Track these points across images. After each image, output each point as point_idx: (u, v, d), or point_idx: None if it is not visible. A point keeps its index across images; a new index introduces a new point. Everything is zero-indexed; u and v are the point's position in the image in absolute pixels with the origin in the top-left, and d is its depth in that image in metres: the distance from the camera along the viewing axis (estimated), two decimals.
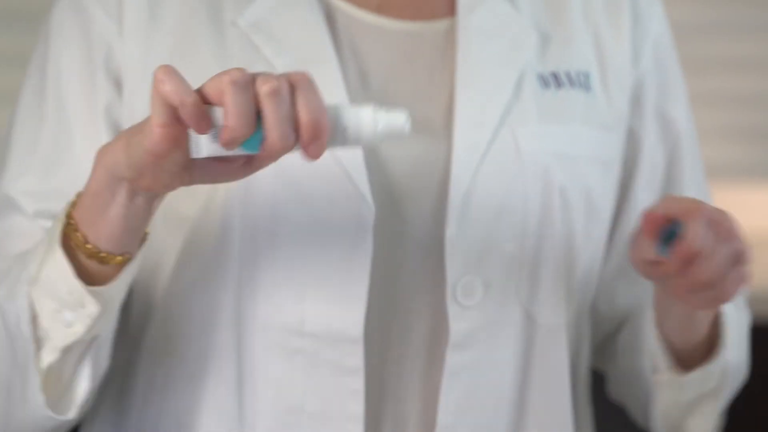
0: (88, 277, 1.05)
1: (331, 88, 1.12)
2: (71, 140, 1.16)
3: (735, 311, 1.24)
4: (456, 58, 1.17)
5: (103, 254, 1.04)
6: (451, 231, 1.12)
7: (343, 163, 1.11)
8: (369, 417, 1.14)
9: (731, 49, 2.32)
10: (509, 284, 1.16)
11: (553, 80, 1.19)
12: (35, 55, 1.19)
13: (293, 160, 1.07)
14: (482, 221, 1.13)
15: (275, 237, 1.12)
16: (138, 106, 1.14)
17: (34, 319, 1.06)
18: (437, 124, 1.16)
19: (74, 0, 1.17)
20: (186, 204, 1.14)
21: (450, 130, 1.15)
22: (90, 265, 1.05)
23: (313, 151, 0.95)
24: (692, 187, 1.28)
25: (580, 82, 1.20)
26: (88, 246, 1.04)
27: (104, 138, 1.13)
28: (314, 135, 0.94)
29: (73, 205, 1.05)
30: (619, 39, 1.23)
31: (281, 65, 1.13)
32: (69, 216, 1.05)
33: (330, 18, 1.17)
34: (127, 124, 1.13)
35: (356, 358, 1.12)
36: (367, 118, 0.96)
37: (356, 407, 1.13)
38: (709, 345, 1.19)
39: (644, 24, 1.25)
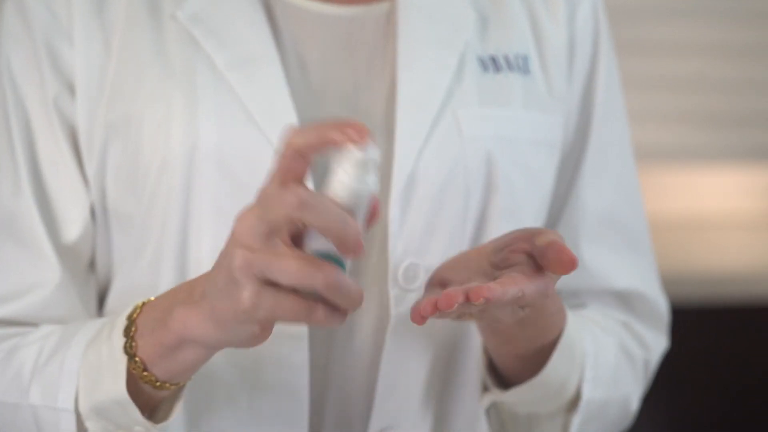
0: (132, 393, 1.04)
1: (273, 86, 1.12)
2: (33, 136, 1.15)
3: (617, 352, 1.23)
4: (396, 39, 1.16)
5: (159, 383, 1.03)
6: (394, 213, 1.11)
7: None
8: (313, 413, 1.14)
9: (694, 34, 2.34)
10: None
11: (492, 64, 1.19)
12: None
13: (235, 156, 1.08)
14: (425, 204, 1.13)
15: (218, 231, 1.10)
16: (100, 116, 1.14)
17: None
18: (378, 110, 1.15)
19: (19, 2, 1.16)
20: (130, 203, 1.14)
21: (392, 116, 1.14)
22: (142, 387, 1.03)
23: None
24: (593, 163, 1.26)
25: (519, 65, 1.20)
26: (146, 374, 1.02)
27: (59, 131, 1.14)
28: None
29: (134, 326, 1.03)
30: (555, 21, 1.23)
31: (222, 61, 1.13)
32: (130, 337, 1.03)
33: (268, 7, 1.17)
34: (83, 127, 1.14)
35: (301, 354, 1.12)
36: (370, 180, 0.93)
37: (301, 402, 1.13)
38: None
39: (577, 6, 1.25)
